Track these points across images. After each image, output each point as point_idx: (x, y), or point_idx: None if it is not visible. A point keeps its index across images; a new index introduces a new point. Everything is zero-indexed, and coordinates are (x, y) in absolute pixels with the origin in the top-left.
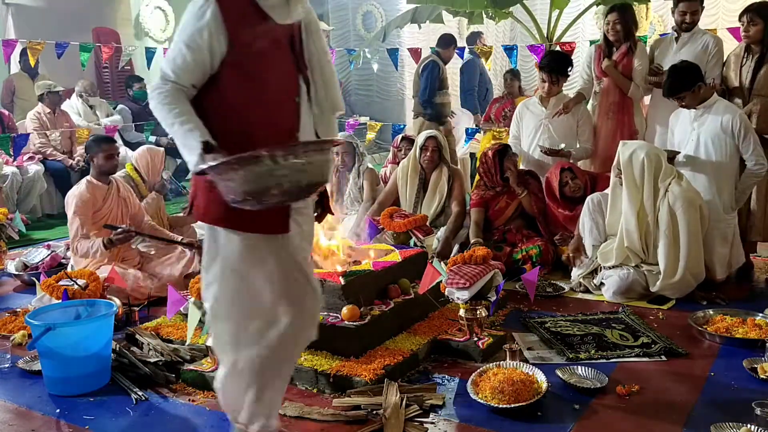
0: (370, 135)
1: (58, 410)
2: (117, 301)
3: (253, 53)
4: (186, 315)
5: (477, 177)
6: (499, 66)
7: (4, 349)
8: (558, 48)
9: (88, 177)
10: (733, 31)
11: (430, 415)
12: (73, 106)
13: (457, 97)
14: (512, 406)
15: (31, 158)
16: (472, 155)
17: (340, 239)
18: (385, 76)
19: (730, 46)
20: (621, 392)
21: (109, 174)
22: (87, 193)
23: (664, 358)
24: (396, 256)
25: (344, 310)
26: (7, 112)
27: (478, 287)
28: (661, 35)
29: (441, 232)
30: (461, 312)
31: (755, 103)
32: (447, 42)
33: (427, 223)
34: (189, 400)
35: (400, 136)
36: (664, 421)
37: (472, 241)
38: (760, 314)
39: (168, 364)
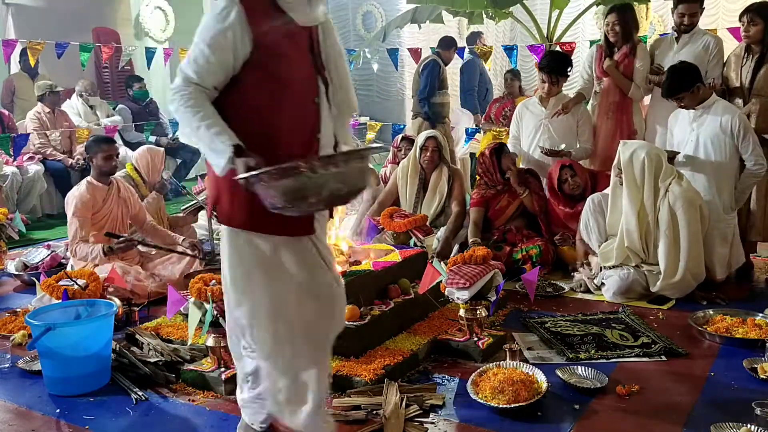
0: (370, 135)
1: (58, 410)
2: (117, 301)
3: (276, 54)
4: (186, 315)
5: (477, 177)
6: (499, 66)
7: (4, 349)
8: (558, 48)
9: (89, 178)
10: (733, 31)
11: (430, 415)
12: (73, 106)
13: (457, 97)
14: (512, 406)
15: (31, 158)
16: (472, 155)
17: (340, 239)
18: (385, 76)
19: (730, 46)
20: (621, 392)
21: (109, 175)
22: (87, 194)
23: (664, 358)
24: (396, 256)
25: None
26: (7, 112)
27: (478, 287)
28: (661, 35)
29: (441, 232)
30: (461, 312)
31: (754, 103)
32: (448, 44)
33: (427, 223)
34: (189, 400)
35: (399, 136)
36: (664, 421)
37: (470, 240)
38: (760, 314)
39: (168, 364)
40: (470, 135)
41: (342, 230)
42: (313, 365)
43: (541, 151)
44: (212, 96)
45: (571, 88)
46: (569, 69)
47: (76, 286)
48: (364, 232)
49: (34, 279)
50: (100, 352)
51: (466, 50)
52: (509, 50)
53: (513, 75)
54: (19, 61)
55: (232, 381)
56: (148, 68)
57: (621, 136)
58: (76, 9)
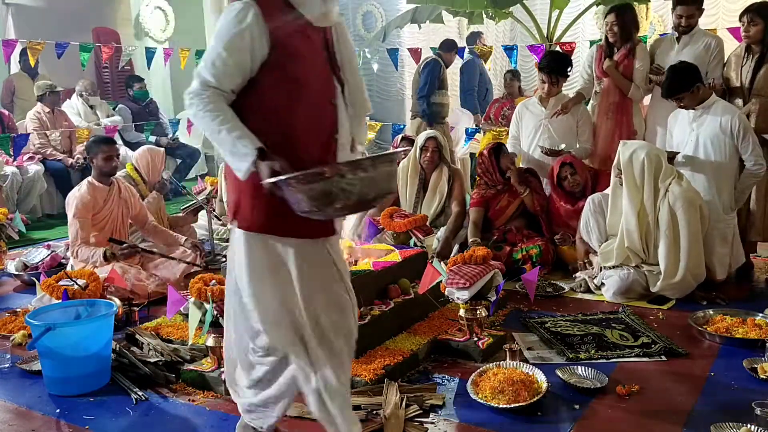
0: (370, 135)
1: (58, 410)
2: (117, 301)
3: (293, 54)
4: (186, 315)
5: (477, 177)
6: (499, 66)
7: (4, 349)
8: (558, 48)
9: (89, 178)
10: (733, 31)
11: (430, 415)
12: (73, 106)
13: (456, 97)
14: (512, 406)
15: (31, 158)
16: (472, 155)
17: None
18: (385, 76)
19: (731, 46)
20: (621, 392)
21: (110, 175)
22: (87, 194)
23: (664, 358)
24: (396, 256)
25: None
26: (7, 112)
27: (478, 287)
28: (661, 35)
29: (441, 232)
30: (461, 312)
31: (754, 103)
32: (450, 46)
33: (427, 223)
34: (189, 400)
35: (399, 136)
36: (664, 421)
37: (470, 240)
38: (760, 314)
39: (168, 364)
40: (470, 135)
41: (342, 230)
42: (328, 366)
43: (541, 151)
44: (230, 99)
45: (571, 88)
46: (569, 69)
47: (76, 286)
48: (364, 232)
49: (34, 279)
50: (100, 352)
51: (466, 50)
52: (509, 50)
53: (513, 75)
54: (19, 61)
55: None
56: (148, 68)
57: (621, 136)
58: (76, 9)
